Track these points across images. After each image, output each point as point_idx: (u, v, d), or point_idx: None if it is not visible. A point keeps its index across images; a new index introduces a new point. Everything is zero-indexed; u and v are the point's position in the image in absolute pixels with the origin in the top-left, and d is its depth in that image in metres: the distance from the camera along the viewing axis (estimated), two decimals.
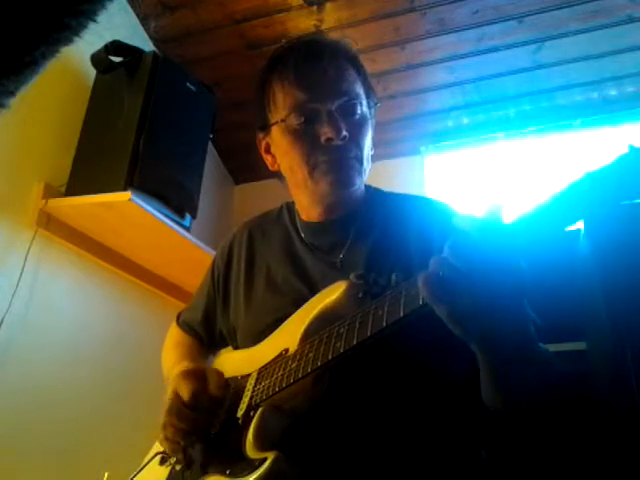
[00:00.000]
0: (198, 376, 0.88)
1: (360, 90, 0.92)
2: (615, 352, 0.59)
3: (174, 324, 1.19)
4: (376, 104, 0.95)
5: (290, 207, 1.05)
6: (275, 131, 0.93)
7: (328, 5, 2.03)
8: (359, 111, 0.90)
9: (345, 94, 0.89)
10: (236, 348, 1.02)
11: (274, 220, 1.06)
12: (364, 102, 0.91)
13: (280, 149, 0.94)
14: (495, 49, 2.08)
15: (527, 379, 0.64)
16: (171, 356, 1.10)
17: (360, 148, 0.90)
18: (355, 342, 0.69)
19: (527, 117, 2.25)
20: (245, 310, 0.97)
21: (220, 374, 0.90)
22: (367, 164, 0.92)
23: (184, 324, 1.15)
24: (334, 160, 0.87)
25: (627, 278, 0.51)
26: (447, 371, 0.80)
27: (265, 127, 0.95)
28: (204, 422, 0.85)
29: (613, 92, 2.13)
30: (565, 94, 2.17)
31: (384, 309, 0.68)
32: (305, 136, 0.88)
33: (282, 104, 0.90)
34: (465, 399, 0.81)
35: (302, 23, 2.09)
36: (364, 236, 0.92)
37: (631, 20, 1.92)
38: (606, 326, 0.57)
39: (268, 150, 0.98)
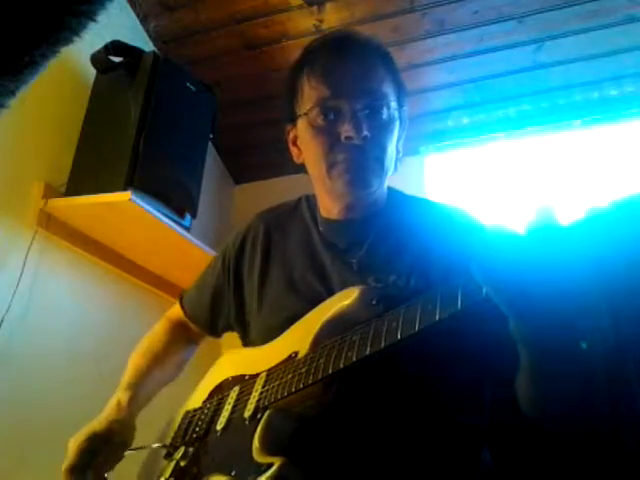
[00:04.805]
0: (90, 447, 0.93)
1: (388, 89, 0.90)
2: (615, 352, 0.59)
3: (171, 313, 1.18)
4: (402, 106, 0.92)
5: (310, 200, 1.03)
6: (300, 124, 0.92)
7: (328, 5, 2.03)
8: (384, 111, 0.88)
9: (371, 93, 0.87)
10: (244, 338, 1.01)
11: (291, 213, 1.04)
12: (392, 103, 0.89)
13: (303, 143, 0.93)
14: (495, 49, 2.08)
15: (569, 379, 0.60)
16: (134, 362, 1.11)
17: (382, 149, 0.87)
18: (368, 352, 0.69)
19: (527, 117, 2.25)
20: (259, 304, 0.96)
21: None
22: (390, 166, 0.90)
23: (189, 307, 1.14)
24: (352, 160, 0.86)
25: (628, 277, 0.51)
26: (456, 381, 0.80)
27: (293, 119, 0.95)
28: None
29: (613, 92, 2.13)
30: (565, 94, 2.17)
31: (399, 322, 0.67)
32: (326, 132, 0.87)
33: (308, 97, 0.89)
34: (472, 407, 0.81)
35: (302, 23, 2.09)
36: (383, 238, 0.90)
37: (631, 20, 1.92)
38: (606, 326, 0.57)
39: (295, 142, 0.97)
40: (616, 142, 2.11)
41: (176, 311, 1.18)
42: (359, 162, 0.86)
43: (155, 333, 1.16)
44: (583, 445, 0.62)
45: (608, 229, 0.49)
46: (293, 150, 0.98)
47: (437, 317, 0.62)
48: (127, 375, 1.08)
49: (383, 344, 0.67)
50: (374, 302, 0.79)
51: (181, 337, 1.16)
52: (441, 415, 0.79)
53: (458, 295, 0.62)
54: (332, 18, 2.06)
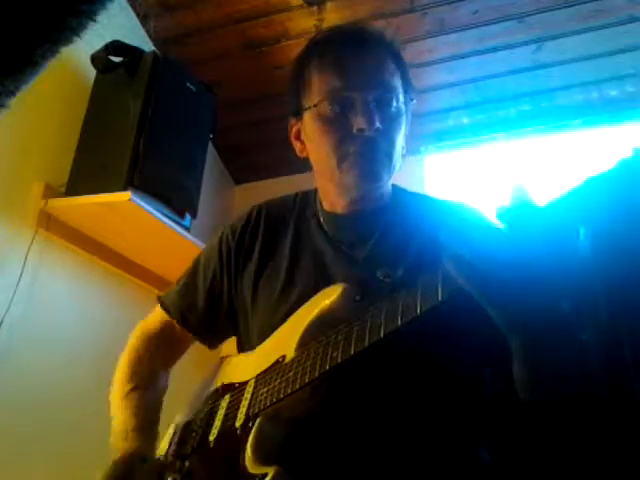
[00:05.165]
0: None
1: (398, 83, 0.89)
2: (613, 346, 0.59)
3: (151, 320, 1.07)
4: (412, 100, 0.92)
5: (308, 196, 1.02)
6: (307, 117, 0.91)
7: (328, 5, 2.04)
8: (394, 105, 0.87)
9: (382, 86, 0.86)
10: (241, 337, 0.99)
11: (291, 208, 1.02)
12: (400, 96, 0.89)
13: (310, 136, 0.92)
14: (495, 49, 2.08)
15: (563, 366, 0.58)
16: (123, 407, 0.98)
17: (391, 143, 0.87)
18: (352, 352, 0.68)
19: (527, 117, 2.25)
20: (254, 302, 0.94)
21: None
22: (398, 161, 0.90)
23: (174, 308, 1.04)
24: (364, 152, 0.85)
25: (626, 273, 0.50)
26: (450, 376, 0.79)
27: (298, 112, 0.93)
28: None
29: (613, 92, 2.13)
30: (565, 94, 2.17)
31: (381, 318, 0.67)
32: (337, 124, 0.86)
33: (317, 89, 0.88)
34: (469, 403, 0.80)
35: (302, 23, 2.09)
36: (389, 233, 0.89)
37: (631, 20, 1.92)
38: (604, 320, 0.57)
39: (298, 136, 0.96)
40: (616, 142, 2.11)
41: (154, 323, 1.07)
42: (370, 155, 0.85)
43: (134, 358, 1.05)
44: (580, 429, 0.61)
45: (585, 201, 0.49)
46: (296, 144, 0.97)
47: (418, 311, 0.62)
48: (126, 421, 0.96)
49: (367, 342, 0.67)
50: (358, 298, 0.78)
51: (162, 361, 1.07)
52: (435, 412, 0.78)
53: (438, 287, 0.61)
54: (332, 18, 2.06)
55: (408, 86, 0.92)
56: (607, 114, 2.15)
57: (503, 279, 0.52)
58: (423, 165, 2.37)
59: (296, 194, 1.04)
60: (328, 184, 0.93)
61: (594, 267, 0.50)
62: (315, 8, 2.05)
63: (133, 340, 1.07)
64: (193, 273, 1.05)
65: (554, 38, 2.02)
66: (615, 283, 0.52)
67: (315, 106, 0.88)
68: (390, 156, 0.87)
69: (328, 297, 0.80)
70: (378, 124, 0.84)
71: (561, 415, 0.60)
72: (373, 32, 0.92)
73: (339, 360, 0.70)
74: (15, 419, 1.52)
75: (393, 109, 0.87)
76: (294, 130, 0.96)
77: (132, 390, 1.00)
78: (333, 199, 0.94)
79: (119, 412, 0.98)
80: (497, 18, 1.99)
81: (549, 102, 2.20)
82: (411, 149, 2.41)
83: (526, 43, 2.04)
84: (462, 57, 2.12)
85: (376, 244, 0.89)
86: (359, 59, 0.87)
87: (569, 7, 1.92)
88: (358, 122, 0.84)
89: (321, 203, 0.97)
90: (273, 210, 1.02)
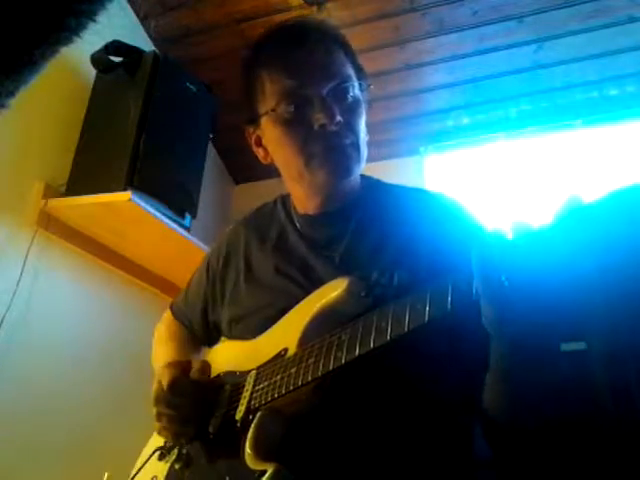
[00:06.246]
0: (181, 365, 0.89)
1: (350, 71, 0.87)
2: (614, 352, 0.59)
3: (168, 315, 1.15)
4: (369, 86, 0.90)
5: (285, 200, 1.01)
6: (265, 122, 0.89)
7: (328, 5, 2.04)
8: (351, 94, 0.86)
9: (335, 77, 0.84)
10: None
11: (269, 215, 1.02)
12: (356, 84, 0.87)
13: (272, 141, 0.90)
14: (495, 49, 2.08)
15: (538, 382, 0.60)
16: (163, 351, 1.07)
17: (355, 134, 0.85)
18: (357, 354, 0.68)
19: (527, 117, 2.25)
20: (247, 305, 0.94)
21: (204, 362, 0.90)
22: (364, 150, 0.87)
23: (183, 318, 1.12)
24: (330, 147, 0.83)
25: (627, 277, 0.50)
26: (449, 378, 0.78)
27: (254, 119, 0.91)
28: (192, 407, 0.85)
29: (613, 92, 2.13)
30: (565, 94, 2.17)
31: (388, 322, 0.66)
32: (297, 125, 0.84)
33: (270, 93, 0.86)
34: (465, 404, 0.80)
35: None
36: (365, 230, 0.88)
37: (631, 20, 1.92)
38: (605, 326, 0.57)
39: (259, 143, 0.94)
40: (617, 142, 2.11)
41: (170, 323, 1.16)
42: (337, 149, 0.83)
43: (166, 329, 1.14)
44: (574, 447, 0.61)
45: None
46: (258, 151, 0.95)
47: (426, 318, 0.61)
48: (158, 363, 1.03)
49: (372, 345, 0.66)
50: (363, 294, 0.77)
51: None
52: (434, 413, 0.78)
53: (448, 295, 0.60)
54: (332, 18, 2.06)
55: (361, 72, 0.90)
56: (607, 114, 2.15)
57: (529, 323, 0.52)
58: (423, 165, 2.37)
59: (275, 199, 1.04)
60: (297, 187, 0.92)
61: (592, 269, 0.50)
62: (315, 8, 2.05)
63: (162, 326, 1.16)
64: (194, 287, 1.10)
65: (554, 38, 2.02)
66: (615, 284, 0.52)
67: (272, 111, 0.86)
68: (357, 147, 0.85)
69: (333, 290, 0.79)
70: (339, 117, 0.82)
71: (544, 434, 0.60)
72: (316, 24, 0.91)
73: (343, 362, 0.69)
74: (15, 419, 1.52)
75: (350, 99, 0.85)
76: (254, 137, 0.95)
77: (172, 340, 1.09)
78: (304, 201, 0.93)
79: (160, 357, 1.04)
80: (497, 18, 1.99)
81: (549, 102, 2.20)
82: (411, 149, 2.41)
83: (526, 43, 2.05)
84: (462, 57, 2.12)
85: (349, 244, 0.87)
86: (307, 54, 0.85)
87: (569, 7, 1.92)
88: (318, 118, 0.82)
89: (294, 206, 0.96)
90: (250, 223, 1.03)
